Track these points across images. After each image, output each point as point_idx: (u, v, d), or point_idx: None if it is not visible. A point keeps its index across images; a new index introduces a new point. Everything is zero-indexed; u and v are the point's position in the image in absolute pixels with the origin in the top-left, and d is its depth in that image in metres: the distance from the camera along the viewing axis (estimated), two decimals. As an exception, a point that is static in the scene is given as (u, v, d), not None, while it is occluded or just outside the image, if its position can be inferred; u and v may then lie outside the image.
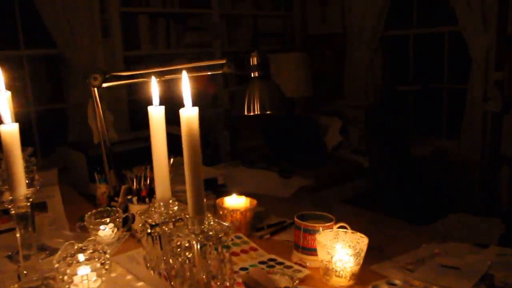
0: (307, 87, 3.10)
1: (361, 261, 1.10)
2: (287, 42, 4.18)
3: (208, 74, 1.99)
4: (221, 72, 1.49)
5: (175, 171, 2.02)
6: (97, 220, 1.24)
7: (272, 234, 1.46)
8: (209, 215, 0.79)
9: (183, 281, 0.78)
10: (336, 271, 1.09)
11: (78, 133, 3.05)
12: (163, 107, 0.85)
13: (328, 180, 2.41)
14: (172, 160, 1.51)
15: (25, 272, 0.88)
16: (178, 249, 0.77)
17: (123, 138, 2.21)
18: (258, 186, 2.10)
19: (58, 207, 1.60)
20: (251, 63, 1.45)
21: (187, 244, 0.75)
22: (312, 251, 1.20)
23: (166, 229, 0.84)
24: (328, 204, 1.93)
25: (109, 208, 1.32)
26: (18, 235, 0.86)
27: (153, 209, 0.89)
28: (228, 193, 1.54)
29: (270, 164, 2.49)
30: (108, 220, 1.22)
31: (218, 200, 1.46)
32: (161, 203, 0.87)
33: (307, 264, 1.22)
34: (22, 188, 0.84)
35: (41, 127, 3.27)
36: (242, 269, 1.18)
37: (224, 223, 0.79)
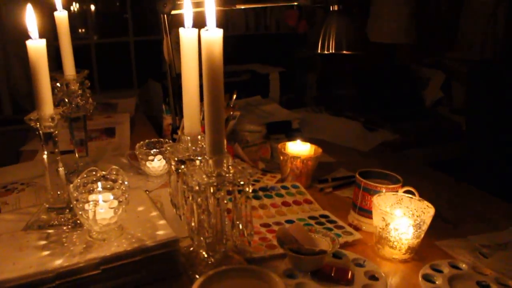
0: (411, 33, 2.77)
1: (422, 234, 0.94)
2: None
3: (298, 12, 1.83)
4: (296, 4, 1.33)
5: (248, 108, 1.95)
6: (146, 151, 1.20)
7: (335, 188, 1.33)
8: (229, 157, 0.69)
9: (194, 227, 0.70)
10: (390, 241, 0.94)
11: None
12: (196, 30, 0.74)
13: (418, 139, 2.16)
14: (234, 96, 1.42)
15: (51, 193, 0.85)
16: (189, 191, 0.68)
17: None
18: (336, 135, 1.94)
19: (125, 134, 1.61)
20: (331, -5, 1.28)
21: (196, 188, 0.66)
22: (370, 214, 1.05)
23: (185, 167, 0.75)
24: (408, 164, 1.73)
25: (162, 139, 1.27)
26: (44, 155, 0.83)
27: (180, 144, 0.80)
28: (302, 139, 1.44)
29: (356, 113, 2.30)
30: (156, 151, 1.18)
31: (280, 145, 1.35)
32: (189, 138, 0.78)
33: (363, 227, 1.08)
34: (48, 107, 0.80)
35: (139, 57, 3.36)
36: (287, 221, 1.09)
37: (247, 168, 0.69)
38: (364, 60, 2.44)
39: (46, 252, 0.75)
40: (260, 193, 1.20)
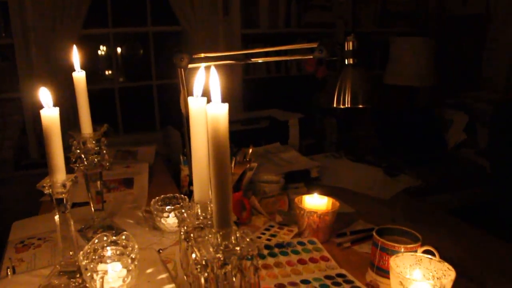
0: (431, 75, 2.75)
1: (444, 299, 0.90)
2: (417, 24, 3.79)
3: (316, 58, 1.84)
4: (311, 57, 1.34)
5: (266, 156, 1.94)
6: (162, 207, 1.20)
7: (354, 242, 1.29)
8: (237, 229, 0.68)
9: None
10: (409, 306, 0.91)
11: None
12: (204, 99, 0.74)
13: (442, 183, 2.11)
14: (250, 150, 1.42)
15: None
16: (197, 265, 0.67)
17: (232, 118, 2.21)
18: (356, 183, 1.91)
19: (143, 185, 1.61)
20: (346, 48, 1.28)
21: (203, 262, 0.65)
22: (388, 273, 1.01)
23: (194, 236, 0.74)
24: (430, 214, 1.68)
25: (178, 195, 1.27)
26: (56, 216, 0.84)
27: (190, 211, 0.80)
28: (321, 188, 1.41)
29: (377, 158, 2.27)
30: (170, 208, 1.17)
31: (296, 199, 1.33)
32: (198, 205, 0.78)
33: (380, 287, 1.04)
34: (60, 174, 0.81)
35: (162, 100, 3.42)
36: (303, 281, 1.06)
37: (254, 241, 0.67)
38: (383, 103, 2.43)
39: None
40: (276, 250, 1.18)
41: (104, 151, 1.16)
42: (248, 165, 1.41)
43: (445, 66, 2.92)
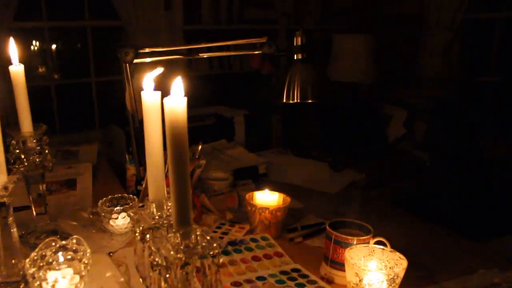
0: (371, 72, 2.84)
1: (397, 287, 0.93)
2: (357, 21, 3.90)
3: (261, 54, 1.84)
4: (260, 52, 1.34)
5: (214, 154, 1.92)
6: (109, 208, 1.15)
7: (305, 237, 1.30)
8: (197, 228, 0.66)
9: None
10: (364, 296, 0.92)
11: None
12: (159, 93, 0.71)
13: (384, 176, 2.19)
14: (200, 147, 1.39)
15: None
16: (156, 266, 0.64)
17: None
18: (304, 179, 1.94)
19: (87, 185, 1.54)
20: (295, 43, 1.29)
21: (164, 263, 0.62)
22: (342, 266, 1.03)
23: (150, 236, 0.72)
24: (377, 205, 1.73)
25: (126, 195, 1.23)
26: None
27: (144, 210, 0.77)
28: (270, 184, 1.41)
29: (322, 153, 2.31)
30: (119, 208, 1.13)
31: (247, 195, 1.32)
32: (154, 204, 0.75)
33: (336, 280, 1.06)
34: (1, 175, 0.75)
35: (101, 98, 3.30)
36: (259, 278, 1.05)
37: (214, 239, 0.66)
38: (327, 98, 2.47)
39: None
40: (229, 248, 1.16)
41: (46, 151, 1.10)
42: (198, 162, 1.38)
43: (384, 63, 3.03)
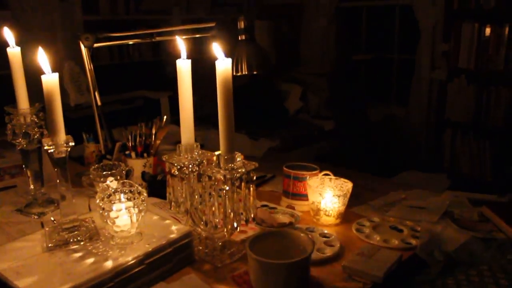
0: (270, 54, 3.22)
1: (346, 202, 1.27)
2: (244, 11, 4.25)
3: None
4: (209, 35, 1.58)
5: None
6: (104, 173, 1.30)
7: (257, 186, 1.59)
8: (240, 154, 0.91)
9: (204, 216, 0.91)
10: (326, 211, 1.25)
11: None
12: (189, 61, 0.94)
13: (294, 142, 2.58)
14: (165, 118, 1.59)
15: (53, 219, 0.96)
16: (211, 185, 0.89)
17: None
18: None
19: (48, 166, 1.64)
20: (239, 27, 1.55)
21: (222, 178, 0.87)
22: (301, 196, 1.35)
23: (192, 170, 0.95)
24: (299, 162, 2.09)
25: (111, 162, 1.39)
26: (58, 180, 0.94)
27: (176, 155, 0.99)
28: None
29: (237, 127, 2.62)
30: (114, 172, 1.29)
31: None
32: (186, 148, 0.98)
33: (296, 208, 1.37)
34: (62, 133, 0.91)
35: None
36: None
37: (251, 162, 0.92)
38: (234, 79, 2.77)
39: (89, 260, 0.87)
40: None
41: (43, 126, 1.23)
42: (165, 131, 1.58)
43: (275, 46, 3.43)
